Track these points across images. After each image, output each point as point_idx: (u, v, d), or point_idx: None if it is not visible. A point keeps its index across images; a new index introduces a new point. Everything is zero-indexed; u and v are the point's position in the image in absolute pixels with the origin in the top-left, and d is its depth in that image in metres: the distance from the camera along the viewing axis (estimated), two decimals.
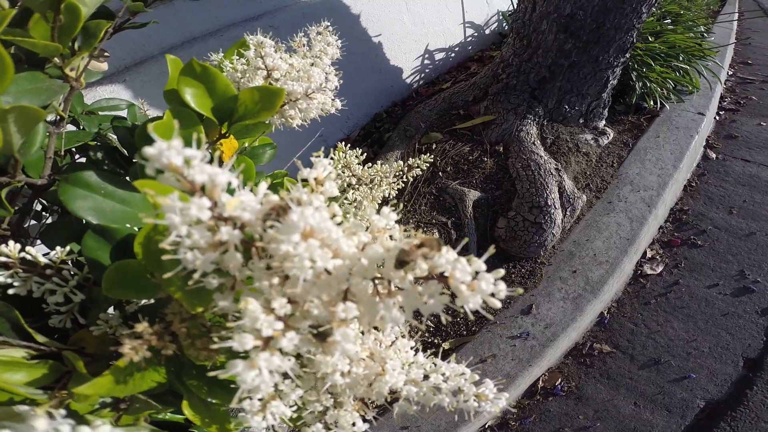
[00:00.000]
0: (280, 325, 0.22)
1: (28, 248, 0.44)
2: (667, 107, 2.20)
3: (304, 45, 0.57)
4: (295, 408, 0.33)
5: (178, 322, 0.29)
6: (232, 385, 0.40)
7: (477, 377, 0.36)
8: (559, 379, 1.45)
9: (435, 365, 0.37)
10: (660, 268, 1.74)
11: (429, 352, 0.37)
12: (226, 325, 0.28)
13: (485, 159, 1.78)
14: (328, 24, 0.58)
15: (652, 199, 1.79)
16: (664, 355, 1.48)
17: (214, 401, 0.41)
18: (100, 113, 0.84)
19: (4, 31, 0.41)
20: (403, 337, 0.38)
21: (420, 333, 1.48)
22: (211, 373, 0.22)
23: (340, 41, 0.57)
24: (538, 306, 1.50)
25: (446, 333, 1.49)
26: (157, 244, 0.26)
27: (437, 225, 1.62)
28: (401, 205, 1.69)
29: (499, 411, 0.36)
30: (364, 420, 0.38)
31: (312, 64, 0.56)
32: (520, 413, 1.39)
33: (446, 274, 0.23)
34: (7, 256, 0.41)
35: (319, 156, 0.31)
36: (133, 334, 0.27)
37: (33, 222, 0.70)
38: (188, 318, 0.31)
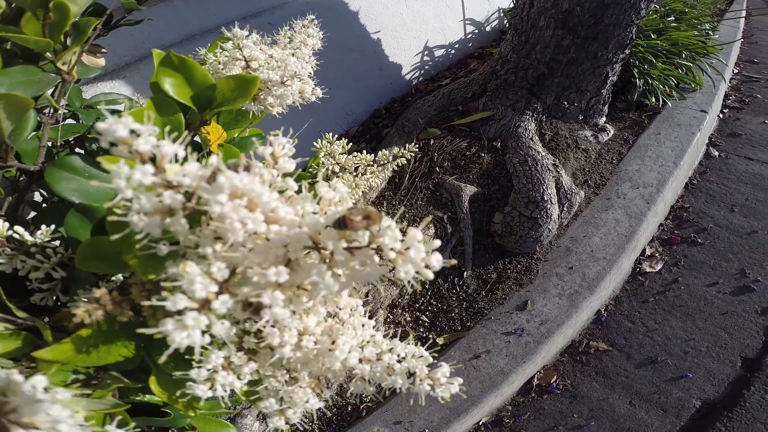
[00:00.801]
0: (214, 287, 0.23)
1: (15, 227, 0.46)
2: (669, 104, 2.18)
3: (287, 37, 0.59)
4: (247, 381, 0.34)
5: (138, 291, 0.31)
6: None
7: (431, 359, 0.36)
8: (555, 377, 1.45)
9: (392, 347, 0.38)
10: (659, 266, 1.73)
11: (425, 345, 0.37)
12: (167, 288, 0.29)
13: (483, 155, 1.79)
14: (314, 18, 0.60)
15: (651, 196, 1.78)
16: (662, 353, 1.47)
17: (178, 373, 0.42)
18: (99, 107, 0.86)
19: None
20: (364, 315, 0.39)
21: (415, 328, 1.49)
22: (140, 330, 0.23)
23: (336, 35, 0.59)
24: (533, 302, 1.50)
25: (441, 328, 1.49)
26: (113, 211, 0.27)
27: (433, 220, 1.63)
28: (397, 200, 1.70)
29: (450, 397, 0.35)
30: (320, 398, 0.39)
31: (293, 55, 0.58)
32: (514, 411, 1.39)
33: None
34: None
35: (277, 134, 0.33)
36: (90, 299, 0.28)
37: (33, 213, 0.72)
38: (151, 288, 0.32)
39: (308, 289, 0.29)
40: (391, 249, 0.23)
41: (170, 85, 0.46)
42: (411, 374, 0.36)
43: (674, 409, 1.34)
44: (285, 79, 0.52)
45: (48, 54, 0.49)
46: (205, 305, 0.24)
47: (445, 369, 0.35)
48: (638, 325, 1.56)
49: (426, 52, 2.33)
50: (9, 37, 0.43)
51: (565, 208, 1.66)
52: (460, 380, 0.33)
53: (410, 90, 2.29)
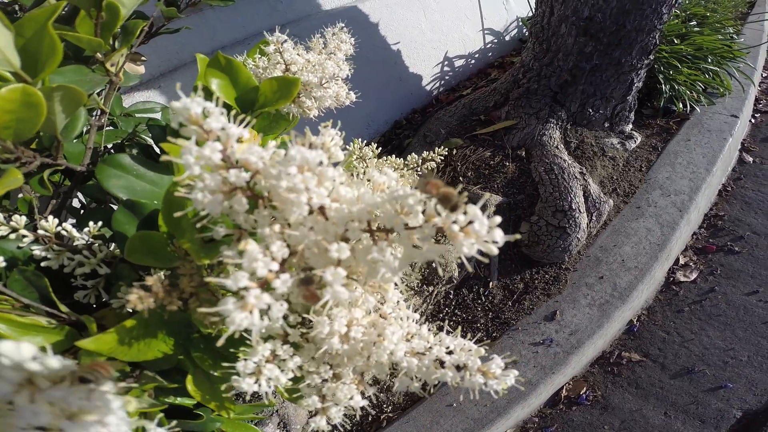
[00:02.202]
0: (275, 266, 0.23)
1: (64, 224, 0.47)
2: (698, 110, 2.12)
3: (321, 45, 0.61)
4: (291, 376, 0.33)
5: (186, 282, 0.31)
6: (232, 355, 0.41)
7: (483, 352, 0.35)
8: (584, 388, 1.40)
9: (440, 340, 0.37)
10: (694, 275, 1.67)
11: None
12: (224, 270, 0.29)
13: (507, 163, 1.77)
14: (343, 25, 0.61)
15: (683, 203, 1.72)
16: (699, 364, 1.41)
17: (215, 373, 0.41)
18: (137, 115, 0.89)
19: (54, 28, 0.45)
20: (409, 309, 0.38)
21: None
22: (202, 309, 0.23)
23: (357, 46, 0.60)
24: (562, 312, 1.46)
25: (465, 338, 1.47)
26: (173, 195, 0.28)
27: None
28: None
29: (505, 390, 0.34)
30: (364, 396, 0.38)
31: (327, 59, 0.59)
32: (541, 422, 1.35)
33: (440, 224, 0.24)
34: (46, 230, 0.45)
35: (327, 126, 0.33)
36: (142, 287, 0.28)
37: (72, 220, 0.75)
38: (198, 280, 0.33)
39: (358, 278, 0.29)
40: (454, 222, 0.23)
41: (217, 86, 0.48)
42: (460, 368, 0.34)
43: (713, 420, 1.28)
44: (324, 81, 0.53)
45: (98, 55, 0.51)
46: (264, 285, 0.24)
47: (498, 361, 0.33)
48: (673, 335, 1.50)
49: (446, 62, 2.35)
50: (65, 36, 0.45)
51: (593, 217, 1.62)
52: (516, 372, 0.32)
53: (431, 100, 2.30)
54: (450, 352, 0.35)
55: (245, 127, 0.25)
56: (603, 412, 1.34)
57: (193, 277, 0.34)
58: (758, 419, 1.27)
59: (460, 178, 1.76)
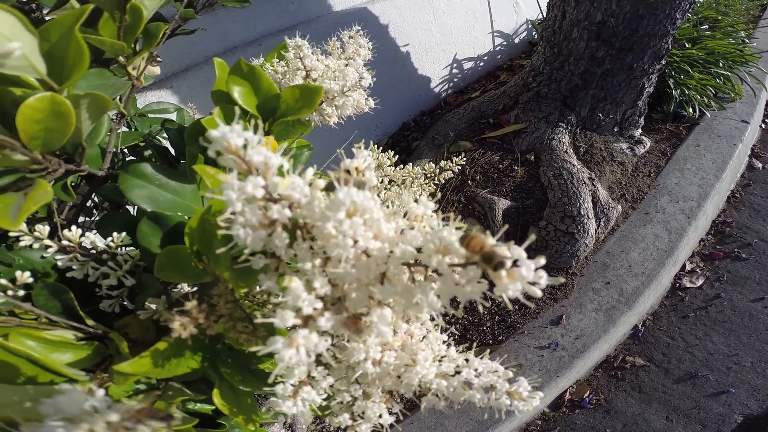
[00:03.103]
0: (319, 304, 0.23)
1: (87, 234, 0.47)
2: (708, 115, 2.11)
3: (338, 48, 0.60)
4: (324, 396, 0.34)
5: (223, 303, 0.31)
6: (264, 371, 0.41)
7: (511, 374, 0.36)
8: (588, 392, 1.41)
9: (467, 361, 0.37)
10: (700, 282, 1.67)
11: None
12: (267, 307, 0.29)
13: (515, 168, 1.76)
14: (359, 28, 0.60)
15: (692, 210, 1.72)
16: (702, 369, 1.42)
17: (245, 389, 0.42)
18: (150, 116, 0.89)
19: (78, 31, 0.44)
20: (436, 330, 0.39)
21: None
22: (252, 348, 0.23)
23: (370, 44, 0.59)
24: (568, 317, 1.46)
25: (472, 342, 1.47)
26: (210, 225, 0.28)
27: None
28: None
29: (531, 411, 0.35)
30: (391, 413, 0.38)
31: (346, 65, 0.58)
32: (543, 425, 1.36)
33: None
34: (69, 241, 0.45)
35: (360, 147, 0.33)
36: (182, 312, 0.28)
37: (86, 219, 0.75)
38: (232, 300, 0.33)
39: (393, 308, 0.29)
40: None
41: (239, 94, 0.47)
42: (487, 389, 0.35)
43: (714, 424, 1.29)
44: (346, 89, 0.52)
45: (120, 58, 0.50)
46: (308, 321, 0.24)
47: (524, 383, 0.34)
48: (678, 341, 1.50)
49: (455, 65, 2.33)
50: (88, 40, 0.44)
51: (601, 223, 1.62)
52: (542, 394, 0.32)
53: (439, 103, 2.29)
54: (479, 375, 0.36)
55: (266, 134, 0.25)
56: (605, 416, 1.35)
57: (227, 296, 0.35)
58: (759, 424, 1.28)
59: (469, 182, 1.76)
